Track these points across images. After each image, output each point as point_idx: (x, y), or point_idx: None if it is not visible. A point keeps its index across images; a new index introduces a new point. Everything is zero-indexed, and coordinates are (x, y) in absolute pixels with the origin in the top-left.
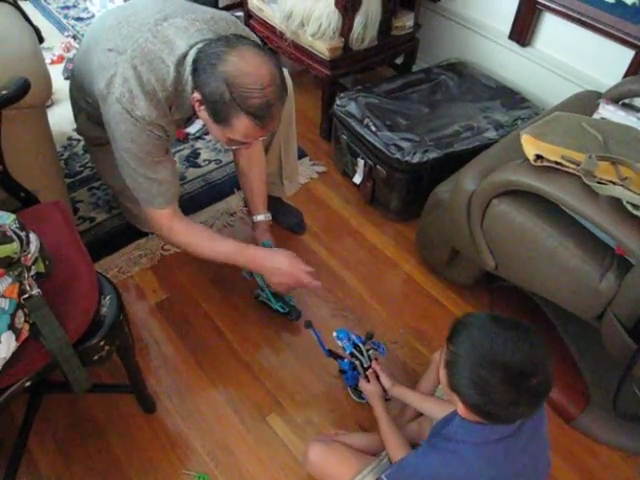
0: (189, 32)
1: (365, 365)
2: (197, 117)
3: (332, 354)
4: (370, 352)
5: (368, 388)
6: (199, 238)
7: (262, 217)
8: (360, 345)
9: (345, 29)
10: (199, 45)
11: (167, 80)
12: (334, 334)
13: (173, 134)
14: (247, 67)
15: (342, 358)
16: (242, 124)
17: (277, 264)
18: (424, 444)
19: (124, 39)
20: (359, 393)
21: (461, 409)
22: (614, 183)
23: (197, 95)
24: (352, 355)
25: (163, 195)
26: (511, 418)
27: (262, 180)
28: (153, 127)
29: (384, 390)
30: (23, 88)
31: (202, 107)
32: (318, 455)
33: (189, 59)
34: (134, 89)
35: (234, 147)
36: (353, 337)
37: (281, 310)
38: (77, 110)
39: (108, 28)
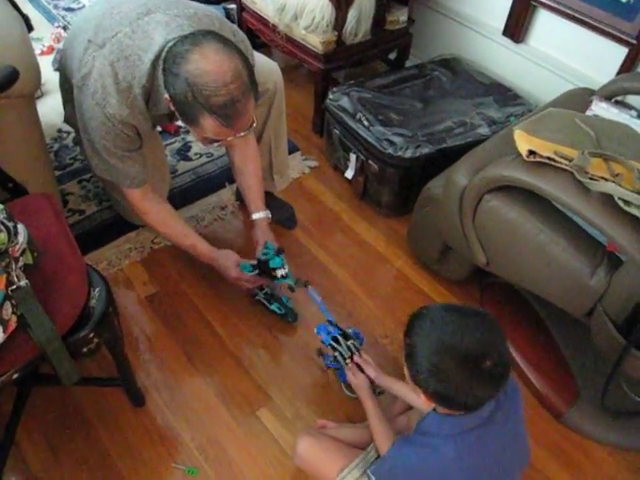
0: (169, 27)
1: (345, 355)
2: None
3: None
4: (350, 342)
5: (354, 381)
6: (162, 222)
7: (262, 215)
8: (338, 337)
9: (338, 23)
10: (170, 43)
11: (143, 77)
12: (315, 330)
13: (148, 131)
14: (208, 65)
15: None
16: (208, 124)
17: (223, 269)
18: (400, 438)
19: (105, 31)
20: (352, 388)
21: (424, 400)
22: (606, 179)
23: (167, 95)
24: (331, 347)
25: (131, 180)
26: (473, 403)
27: (258, 177)
28: (123, 126)
29: (372, 382)
30: (11, 77)
31: (174, 108)
32: (306, 448)
33: (163, 55)
34: (108, 86)
35: (214, 145)
36: (331, 329)
37: (277, 311)
38: (65, 99)
39: (92, 17)
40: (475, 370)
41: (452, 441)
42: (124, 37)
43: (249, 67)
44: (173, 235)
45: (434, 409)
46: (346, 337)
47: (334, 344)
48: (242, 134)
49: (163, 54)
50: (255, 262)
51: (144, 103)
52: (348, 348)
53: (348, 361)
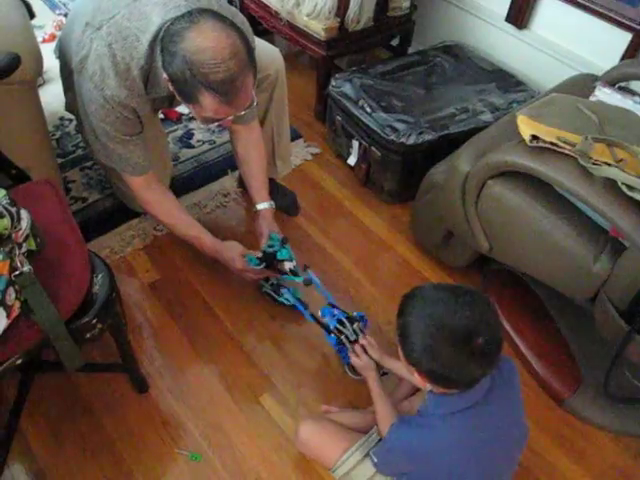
0: (166, 8)
1: (351, 339)
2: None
3: (318, 322)
4: (355, 326)
5: (358, 363)
6: (164, 212)
7: (266, 205)
8: (344, 319)
9: (341, 9)
10: (168, 23)
11: (142, 58)
12: (319, 312)
13: (148, 114)
14: (205, 42)
15: (328, 330)
16: (208, 101)
17: (228, 261)
18: (398, 419)
19: (102, 13)
20: (355, 370)
21: (419, 380)
22: (609, 164)
23: (165, 75)
24: (337, 330)
25: (133, 167)
26: (466, 380)
27: (263, 167)
28: (122, 108)
29: (377, 365)
30: (13, 63)
31: (173, 87)
32: (308, 433)
33: (160, 35)
34: (106, 68)
35: (213, 124)
36: (336, 312)
37: (286, 303)
38: (66, 87)
39: (90, 1)
40: (466, 347)
41: (449, 420)
42: (121, 19)
43: (248, 44)
44: (177, 226)
45: (431, 390)
46: (351, 320)
47: (339, 327)
48: (242, 113)
49: (161, 34)
50: (260, 254)
51: (143, 85)
52: (354, 331)
53: (356, 346)
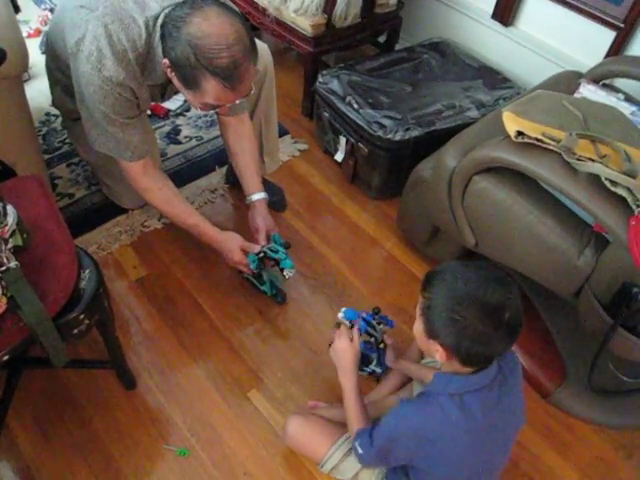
0: None
1: (379, 339)
2: (172, 85)
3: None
4: (381, 326)
5: (344, 347)
6: (163, 199)
7: (262, 195)
8: (372, 322)
9: (328, 5)
10: (167, 9)
11: (138, 41)
12: (340, 315)
13: (145, 98)
14: (210, 28)
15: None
16: (211, 87)
17: (226, 251)
18: (401, 401)
19: None
20: (360, 365)
21: (441, 354)
22: (593, 160)
23: (166, 61)
24: (367, 333)
25: (132, 151)
26: (487, 354)
27: (255, 158)
28: (122, 89)
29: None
30: None
31: (173, 73)
32: (296, 428)
33: (160, 22)
34: (103, 48)
35: (210, 111)
36: (363, 315)
37: (268, 292)
38: (53, 82)
39: None
40: (496, 321)
41: (458, 400)
42: (118, 0)
43: (249, 32)
44: (176, 214)
45: (439, 371)
46: (378, 322)
47: (370, 330)
48: (238, 102)
49: (159, 21)
50: (261, 253)
51: (139, 69)
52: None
53: (382, 345)
